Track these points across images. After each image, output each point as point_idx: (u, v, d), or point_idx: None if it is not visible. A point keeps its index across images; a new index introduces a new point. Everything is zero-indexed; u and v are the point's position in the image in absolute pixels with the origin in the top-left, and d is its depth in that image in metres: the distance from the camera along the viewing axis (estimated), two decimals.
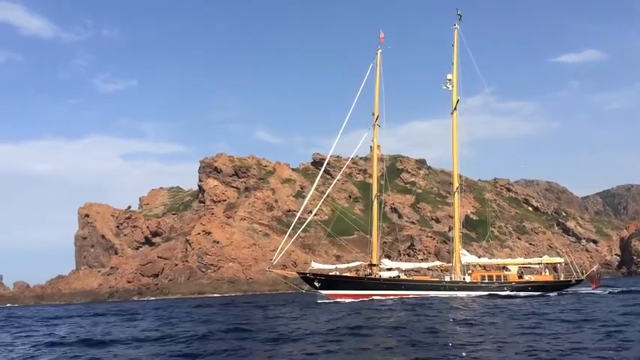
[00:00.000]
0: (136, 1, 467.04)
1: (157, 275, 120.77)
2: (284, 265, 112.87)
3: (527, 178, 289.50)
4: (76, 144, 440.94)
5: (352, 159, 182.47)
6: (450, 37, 60.14)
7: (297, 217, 64.08)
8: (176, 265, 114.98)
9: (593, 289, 52.83)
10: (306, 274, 54.46)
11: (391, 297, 49.68)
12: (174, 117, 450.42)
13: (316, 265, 59.72)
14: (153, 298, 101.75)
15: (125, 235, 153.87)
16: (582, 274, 55.50)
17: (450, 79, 59.52)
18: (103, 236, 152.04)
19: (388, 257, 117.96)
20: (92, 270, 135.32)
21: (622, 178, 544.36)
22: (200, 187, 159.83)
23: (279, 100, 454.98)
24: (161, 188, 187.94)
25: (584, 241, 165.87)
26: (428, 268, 67.64)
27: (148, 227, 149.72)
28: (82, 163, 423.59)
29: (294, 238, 65.92)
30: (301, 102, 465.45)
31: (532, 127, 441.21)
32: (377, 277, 54.95)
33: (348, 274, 56.45)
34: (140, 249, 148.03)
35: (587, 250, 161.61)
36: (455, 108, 59.34)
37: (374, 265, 57.99)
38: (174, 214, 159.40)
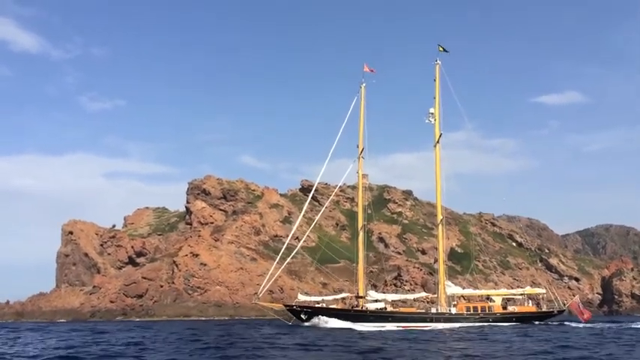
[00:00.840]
0: (127, 21, 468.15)
1: (141, 296, 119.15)
2: (271, 291, 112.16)
3: (509, 214, 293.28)
4: (59, 160, 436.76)
5: (340, 187, 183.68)
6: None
7: (285, 245, 64.64)
8: (162, 286, 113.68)
9: (584, 321, 52.74)
10: (293, 306, 54.56)
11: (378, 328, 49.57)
12: (160, 137, 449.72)
13: (302, 297, 59.97)
14: (137, 319, 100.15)
15: (109, 254, 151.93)
16: (563, 305, 56.51)
17: (432, 113, 60.67)
18: (86, 254, 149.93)
19: (375, 287, 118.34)
20: (74, 288, 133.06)
21: (601, 218, 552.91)
22: (187, 208, 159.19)
23: (266, 125, 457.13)
24: (147, 208, 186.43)
25: (566, 278, 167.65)
26: (414, 299, 68.04)
27: (132, 247, 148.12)
28: (65, 180, 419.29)
29: (283, 266, 65.75)
30: (288, 128, 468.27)
31: (514, 164, 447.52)
32: (364, 308, 55.03)
33: (334, 306, 56.46)
34: (123, 269, 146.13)
35: (569, 288, 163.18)
36: (437, 141, 60.49)
37: (360, 297, 58.05)
38: (159, 234, 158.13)
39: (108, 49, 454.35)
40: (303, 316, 52.60)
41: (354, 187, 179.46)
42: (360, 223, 65.90)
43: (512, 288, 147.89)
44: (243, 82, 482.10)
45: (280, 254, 62.89)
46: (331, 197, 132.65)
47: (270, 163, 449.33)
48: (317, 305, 55.88)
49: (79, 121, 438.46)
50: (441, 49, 61.49)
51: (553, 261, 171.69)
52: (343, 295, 65.28)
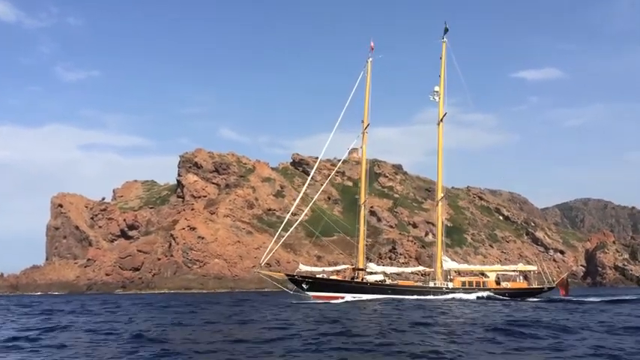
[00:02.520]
0: None
1: (137, 269, 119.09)
2: (268, 264, 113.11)
3: (491, 188, 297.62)
4: (34, 132, 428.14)
5: (331, 162, 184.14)
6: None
7: (286, 218, 65.40)
8: (159, 259, 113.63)
9: (562, 296, 55.28)
10: (294, 276, 55.34)
11: (378, 300, 50.40)
12: (137, 110, 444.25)
13: (304, 268, 60.68)
14: (138, 292, 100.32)
15: (100, 227, 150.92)
16: (552, 282, 58.60)
17: (437, 91, 60.94)
18: (76, 227, 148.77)
19: (368, 260, 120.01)
20: (68, 261, 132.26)
21: (580, 192, 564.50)
22: (179, 181, 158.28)
23: (246, 98, 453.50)
24: (135, 181, 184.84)
25: (551, 251, 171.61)
26: (411, 273, 69.11)
27: (124, 220, 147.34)
28: (40, 152, 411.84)
29: (283, 239, 66.51)
30: (268, 101, 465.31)
31: (494, 139, 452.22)
32: (363, 280, 56.08)
33: (335, 277, 57.45)
34: (116, 242, 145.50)
35: (554, 260, 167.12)
36: (441, 119, 60.99)
37: (360, 269, 59.12)
38: (151, 207, 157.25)
39: (84, 18, 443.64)
40: (304, 285, 53.39)
41: (345, 162, 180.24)
42: (363, 198, 66.60)
43: (500, 261, 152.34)
44: (223, 54, 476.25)
45: (282, 226, 63.53)
46: (331, 175, 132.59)
47: (250, 136, 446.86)
48: (318, 276, 56.76)
49: (54, 92, 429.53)
50: (446, 27, 61.69)
51: (539, 234, 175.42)
52: (343, 266, 66.28)
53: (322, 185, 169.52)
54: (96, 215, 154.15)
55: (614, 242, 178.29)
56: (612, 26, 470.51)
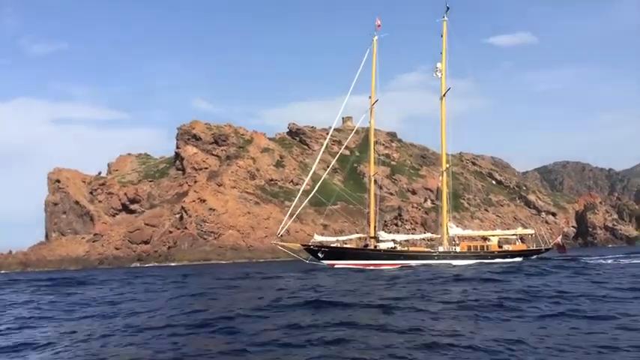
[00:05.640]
0: None
1: (146, 242, 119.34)
2: (280, 235, 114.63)
3: (474, 153, 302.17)
4: (2, 106, 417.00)
5: (327, 131, 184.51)
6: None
7: (302, 188, 67.47)
8: (171, 232, 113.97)
9: (560, 254, 61.37)
10: (310, 246, 57.36)
11: (392, 266, 52.70)
12: (108, 82, 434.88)
13: (319, 238, 62.87)
14: (158, 264, 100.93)
15: (100, 201, 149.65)
16: (548, 242, 62.62)
17: (439, 68, 63.38)
18: (77, 202, 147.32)
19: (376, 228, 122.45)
20: (75, 236, 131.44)
21: (558, 155, 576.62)
22: (177, 154, 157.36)
23: (219, 68, 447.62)
24: (129, 154, 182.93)
25: (543, 213, 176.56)
26: (419, 240, 71.98)
27: (126, 194, 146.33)
28: (10, 126, 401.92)
29: (298, 211, 68.53)
30: (242, 70, 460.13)
31: (468, 104, 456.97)
32: (376, 248, 58.51)
33: (349, 246, 59.89)
34: (118, 216, 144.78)
35: (547, 222, 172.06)
36: (444, 95, 63.47)
37: (373, 237, 61.58)
38: (150, 180, 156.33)
39: None
40: (320, 254, 55.46)
41: (339, 131, 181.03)
42: (372, 171, 69.07)
43: (496, 224, 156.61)
44: (194, 22, 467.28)
45: (298, 197, 65.81)
46: (327, 141, 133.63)
47: (225, 106, 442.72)
48: (332, 245, 58.95)
49: (21, 65, 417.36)
50: (447, 6, 63.45)
51: (531, 197, 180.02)
52: (356, 235, 68.72)
53: (319, 154, 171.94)
54: (95, 190, 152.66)
55: (601, 203, 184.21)
56: None
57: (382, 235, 63.72)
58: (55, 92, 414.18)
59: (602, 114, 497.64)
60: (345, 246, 59.67)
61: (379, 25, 62.22)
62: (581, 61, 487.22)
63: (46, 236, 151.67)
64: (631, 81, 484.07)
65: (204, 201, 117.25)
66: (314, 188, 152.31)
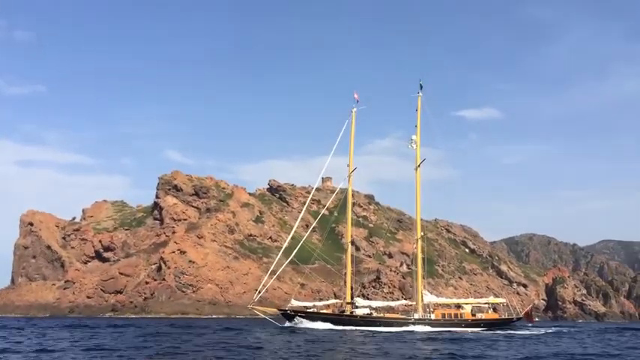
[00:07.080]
0: (53, 5, 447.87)
1: (119, 292, 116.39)
2: (256, 289, 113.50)
3: (449, 220, 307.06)
4: None
5: (306, 189, 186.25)
6: None
7: (283, 247, 68.88)
8: (147, 283, 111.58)
9: (531, 324, 63.24)
10: (287, 311, 57.73)
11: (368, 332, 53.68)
12: (81, 127, 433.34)
13: (296, 303, 63.35)
14: (131, 316, 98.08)
15: (72, 247, 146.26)
16: (519, 313, 64.61)
17: (414, 140, 66.38)
18: (48, 247, 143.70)
19: (351, 289, 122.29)
20: (46, 282, 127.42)
21: (524, 227, 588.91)
22: (157, 203, 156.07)
23: (194, 120, 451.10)
24: (105, 201, 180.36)
25: (515, 284, 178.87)
26: (395, 307, 73.02)
27: (100, 241, 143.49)
28: None
29: (276, 274, 69.23)
30: (216, 125, 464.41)
31: (439, 173, 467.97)
32: (352, 314, 59.24)
33: (325, 312, 60.45)
34: (90, 263, 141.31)
35: (518, 293, 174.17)
36: (418, 166, 66.06)
37: (349, 303, 62.38)
38: (126, 229, 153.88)
39: (32, 33, 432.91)
40: (297, 319, 55.81)
41: (319, 190, 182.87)
42: (349, 237, 70.24)
43: (470, 292, 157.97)
44: (171, 73, 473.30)
45: (277, 258, 66.49)
46: (307, 202, 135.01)
47: (196, 159, 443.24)
48: (309, 310, 59.34)
49: None
50: (420, 83, 67.24)
51: (503, 267, 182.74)
52: (333, 301, 70.20)
53: (298, 212, 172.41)
54: (68, 235, 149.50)
55: (569, 277, 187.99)
56: (544, 68, 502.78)
57: (359, 301, 64.59)
58: (25, 134, 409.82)
59: (565, 191, 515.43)
60: (322, 311, 60.31)
61: (357, 99, 65.19)
62: (543, 138, 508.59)
63: (12, 280, 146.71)
64: (593, 159, 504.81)
65: (184, 252, 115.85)
66: (294, 247, 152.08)
